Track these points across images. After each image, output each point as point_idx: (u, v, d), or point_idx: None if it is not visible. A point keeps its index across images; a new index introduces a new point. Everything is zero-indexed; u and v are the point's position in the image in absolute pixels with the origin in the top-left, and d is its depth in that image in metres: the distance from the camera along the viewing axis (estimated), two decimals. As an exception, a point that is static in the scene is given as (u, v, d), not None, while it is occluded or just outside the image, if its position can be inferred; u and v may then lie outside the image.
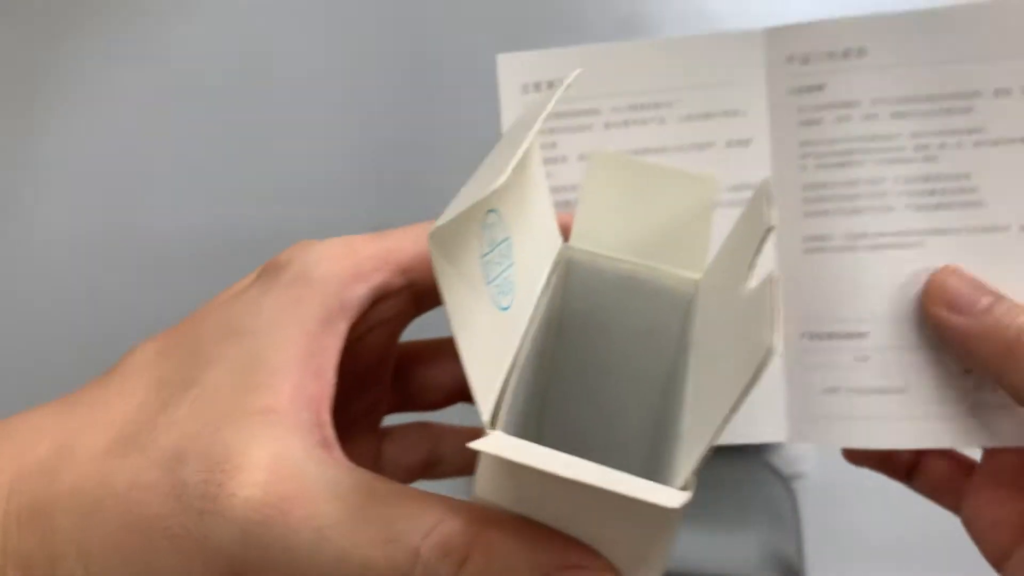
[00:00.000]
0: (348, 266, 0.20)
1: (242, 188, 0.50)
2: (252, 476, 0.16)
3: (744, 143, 0.25)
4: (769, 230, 0.16)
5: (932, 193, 0.24)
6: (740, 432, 0.26)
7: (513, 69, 0.26)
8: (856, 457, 0.27)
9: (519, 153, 0.13)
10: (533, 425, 0.23)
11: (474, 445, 0.14)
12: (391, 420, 0.29)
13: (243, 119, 0.51)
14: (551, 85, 0.26)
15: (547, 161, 0.26)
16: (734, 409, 0.13)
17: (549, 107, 0.15)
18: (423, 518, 0.16)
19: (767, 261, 0.26)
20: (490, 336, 0.15)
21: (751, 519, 0.38)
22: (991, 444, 0.24)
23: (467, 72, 0.38)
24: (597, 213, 0.22)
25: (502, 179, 0.12)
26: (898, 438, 0.24)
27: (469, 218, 0.14)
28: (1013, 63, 0.23)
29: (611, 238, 0.22)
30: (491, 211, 0.16)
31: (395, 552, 0.16)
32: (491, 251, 0.16)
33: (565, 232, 0.23)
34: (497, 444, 0.14)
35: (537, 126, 0.14)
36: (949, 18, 0.23)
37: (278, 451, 0.17)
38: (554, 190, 0.26)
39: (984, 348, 0.22)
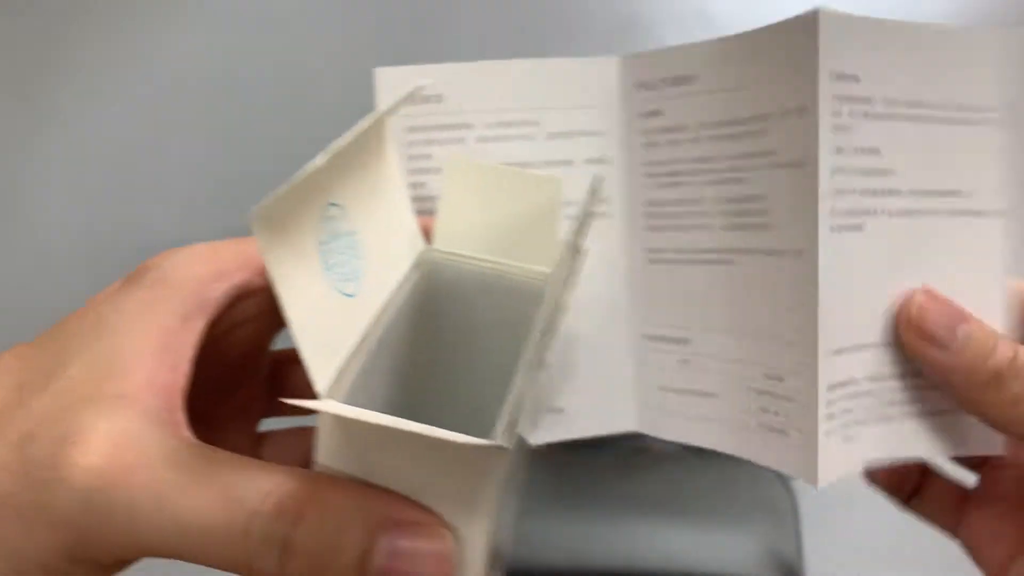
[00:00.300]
0: (208, 267, 0.21)
1: (238, 189, 0.50)
2: (95, 447, 0.17)
3: (602, 161, 0.28)
4: (588, 215, 0.18)
5: (739, 214, 0.26)
6: (597, 424, 0.28)
7: (390, 82, 0.27)
8: (870, 477, 0.28)
9: (341, 144, 0.15)
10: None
11: (299, 403, 0.15)
12: (274, 425, 0.29)
13: (241, 120, 0.51)
14: (426, 100, 0.28)
15: (422, 171, 0.28)
16: (531, 364, 0.15)
17: (382, 112, 0.17)
18: (261, 482, 0.17)
19: (619, 267, 0.28)
20: (328, 315, 0.17)
21: (751, 519, 0.39)
22: (765, 463, 0.25)
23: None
24: (456, 216, 0.23)
25: (318, 162, 0.14)
26: (707, 438, 0.26)
27: (294, 201, 0.15)
28: (787, 85, 0.23)
29: (470, 239, 0.23)
30: (332, 204, 0.17)
31: (233, 513, 0.16)
32: (332, 240, 0.17)
33: (429, 235, 0.24)
34: (327, 404, 0.15)
35: (364, 124, 0.16)
36: (750, 40, 0.24)
37: (123, 427, 0.18)
38: (429, 199, 0.28)
39: (961, 383, 0.23)
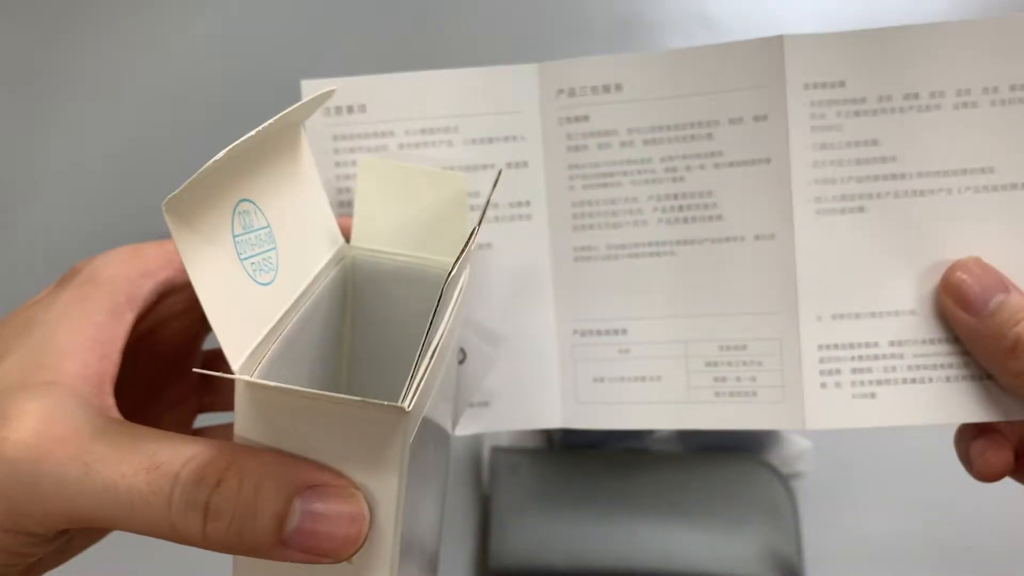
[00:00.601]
0: (135, 266, 0.22)
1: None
2: (25, 423, 0.18)
3: (522, 165, 0.29)
4: (487, 204, 0.20)
5: (680, 209, 0.28)
6: (520, 418, 0.29)
7: (315, 92, 0.28)
8: (986, 473, 0.27)
9: (243, 140, 0.16)
10: None
11: (212, 373, 0.16)
12: (210, 421, 0.30)
13: (243, 119, 0.51)
14: (351, 110, 0.29)
15: (348, 176, 0.29)
16: (431, 330, 0.16)
17: (287, 112, 0.18)
18: (183, 450, 0.18)
19: (543, 267, 0.29)
20: (242, 299, 0.18)
21: (751, 519, 0.39)
22: (732, 427, 0.27)
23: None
24: (372, 214, 0.24)
25: (219, 157, 0.15)
26: (653, 419, 0.28)
27: (201, 193, 0.16)
28: (743, 95, 0.27)
29: (386, 235, 0.24)
30: (244, 200, 0.18)
31: (157, 479, 0.17)
32: (246, 233, 0.18)
33: (348, 234, 0.25)
34: (241, 376, 0.16)
35: (268, 123, 0.17)
36: (690, 57, 0.27)
37: (53, 406, 0.19)
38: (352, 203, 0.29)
39: (983, 347, 0.25)
